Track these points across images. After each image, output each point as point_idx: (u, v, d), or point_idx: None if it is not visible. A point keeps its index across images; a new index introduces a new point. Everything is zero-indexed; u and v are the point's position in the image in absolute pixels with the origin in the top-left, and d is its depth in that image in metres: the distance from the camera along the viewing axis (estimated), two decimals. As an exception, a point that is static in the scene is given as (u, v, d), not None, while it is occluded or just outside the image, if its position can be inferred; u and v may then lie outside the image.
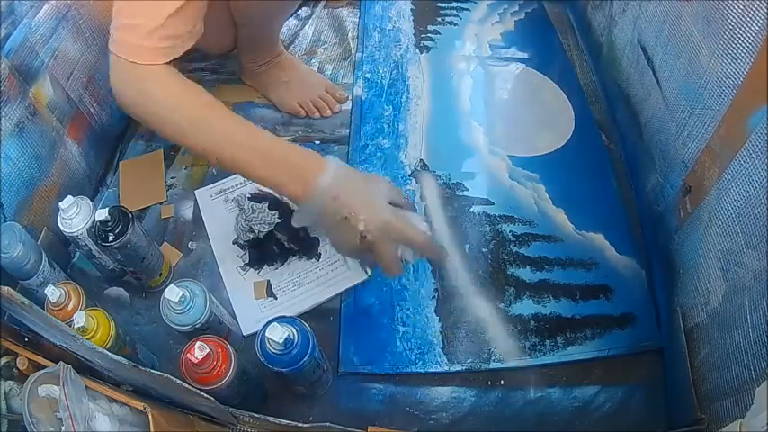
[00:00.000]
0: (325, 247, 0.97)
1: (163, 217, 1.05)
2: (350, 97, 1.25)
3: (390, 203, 0.77)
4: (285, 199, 0.94)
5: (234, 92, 1.24)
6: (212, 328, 0.79)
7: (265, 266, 0.97)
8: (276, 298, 0.94)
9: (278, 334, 0.69)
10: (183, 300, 0.75)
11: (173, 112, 0.76)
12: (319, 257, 0.97)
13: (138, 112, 0.78)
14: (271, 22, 1.12)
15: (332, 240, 0.81)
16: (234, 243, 0.98)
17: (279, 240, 0.96)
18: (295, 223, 0.78)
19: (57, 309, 0.76)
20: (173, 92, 0.76)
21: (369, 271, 0.95)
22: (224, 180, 1.07)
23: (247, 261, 0.97)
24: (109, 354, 0.62)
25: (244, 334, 0.90)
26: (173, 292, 0.74)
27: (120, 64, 0.75)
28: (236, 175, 1.04)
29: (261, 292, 0.94)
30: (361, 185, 0.76)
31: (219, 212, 1.03)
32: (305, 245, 0.96)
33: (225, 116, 0.77)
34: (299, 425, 0.70)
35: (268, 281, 0.95)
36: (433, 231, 1.01)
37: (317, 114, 1.21)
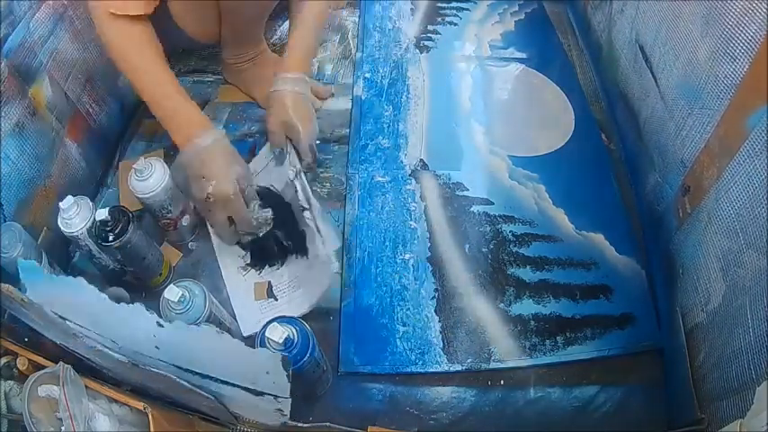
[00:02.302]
0: (312, 240, 0.93)
1: (163, 217, 1.05)
2: (350, 97, 1.25)
3: (239, 188, 0.91)
4: (275, 190, 1.01)
5: (235, 93, 1.24)
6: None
7: (266, 266, 0.97)
8: (276, 299, 0.94)
9: (278, 334, 0.69)
10: (182, 300, 0.75)
11: (122, 61, 0.93)
12: (308, 253, 0.94)
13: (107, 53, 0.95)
14: (255, 15, 1.11)
15: (189, 187, 0.93)
16: (237, 243, 0.99)
17: (278, 239, 0.96)
18: (173, 169, 0.93)
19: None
20: (125, 42, 0.92)
21: (335, 267, 0.90)
22: None
23: (249, 261, 0.98)
24: (109, 352, 0.62)
25: (244, 334, 0.90)
26: (172, 293, 0.74)
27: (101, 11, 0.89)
28: None
29: (261, 293, 0.94)
30: (224, 160, 0.91)
31: None
32: (296, 240, 0.96)
33: (152, 66, 0.92)
34: (299, 425, 0.70)
35: (269, 282, 0.95)
36: (432, 231, 1.03)
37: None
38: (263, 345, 0.71)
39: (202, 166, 0.90)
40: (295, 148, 0.99)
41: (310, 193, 0.93)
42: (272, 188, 1.00)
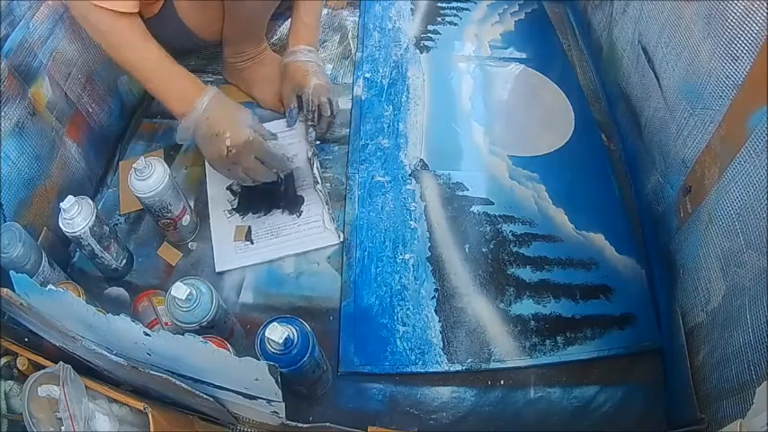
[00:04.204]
0: (309, 206, 1.05)
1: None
2: (350, 97, 1.25)
3: (253, 129, 0.95)
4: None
5: (235, 92, 1.24)
6: (218, 326, 0.79)
7: (250, 214, 1.04)
8: (252, 243, 1.01)
9: (278, 334, 0.69)
10: (189, 297, 0.75)
11: (116, 51, 0.94)
12: (300, 215, 1.04)
13: (95, 40, 0.96)
14: (259, 14, 1.11)
15: (205, 153, 0.98)
16: (228, 188, 1.06)
17: (268, 191, 1.03)
18: (177, 137, 0.96)
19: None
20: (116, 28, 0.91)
21: (341, 236, 1.01)
22: None
23: (235, 206, 1.05)
24: (108, 354, 0.62)
25: (217, 270, 0.98)
26: (180, 290, 0.74)
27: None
28: None
29: (240, 235, 1.01)
30: (229, 111, 0.95)
31: None
32: (290, 200, 1.04)
33: (141, 43, 0.93)
34: (299, 425, 0.70)
35: (249, 226, 1.02)
36: (432, 231, 1.03)
37: (301, 114, 1.20)
38: (262, 344, 0.71)
39: (210, 124, 0.92)
40: (313, 123, 1.10)
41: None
42: None
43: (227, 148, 0.92)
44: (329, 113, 1.12)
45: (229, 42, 1.16)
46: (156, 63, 0.94)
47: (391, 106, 1.23)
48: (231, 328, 0.85)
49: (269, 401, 0.66)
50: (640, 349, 0.90)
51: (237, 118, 0.95)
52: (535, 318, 0.93)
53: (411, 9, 1.46)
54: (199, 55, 1.31)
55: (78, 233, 0.85)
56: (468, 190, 1.08)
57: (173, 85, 0.95)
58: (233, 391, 0.66)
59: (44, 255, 0.87)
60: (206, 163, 1.10)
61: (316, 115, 1.11)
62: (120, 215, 1.07)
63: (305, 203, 1.05)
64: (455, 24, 1.42)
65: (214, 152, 0.95)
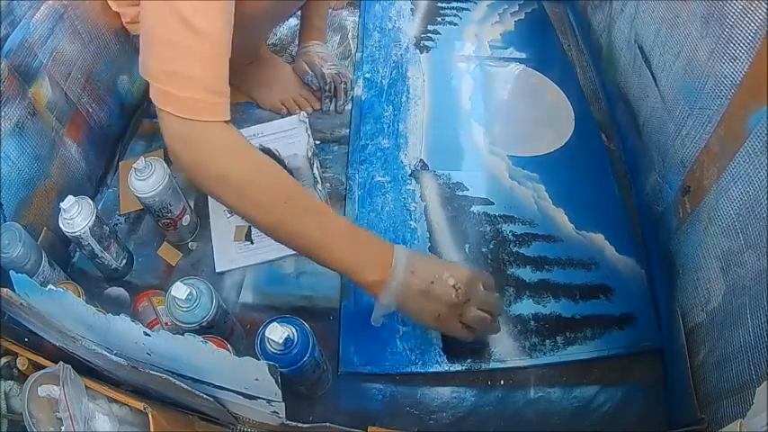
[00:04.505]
0: None
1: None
2: (350, 97, 1.25)
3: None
4: (278, 154, 1.07)
5: (234, 93, 1.23)
6: (218, 326, 0.79)
7: None
8: (252, 243, 1.01)
9: (278, 334, 0.69)
10: (189, 297, 0.75)
11: (245, 189, 0.73)
12: None
13: (196, 177, 0.75)
14: (269, 22, 1.12)
15: (420, 314, 0.80)
16: None
17: None
18: (381, 310, 0.78)
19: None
20: (243, 163, 0.74)
21: None
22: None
23: None
24: (108, 354, 0.62)
25: (217, 270, 0.98)
26: (180, 290, 0.74)
27: (173, 121, 0.71)
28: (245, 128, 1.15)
29: (240, 235, 1.01)
30: (430, 258, 0.87)
31: None
32: None
33: (298, 200, 0.76)
34: (299, 425, 0.70)
35: (249, 226, 1.01)
36: (432, 231, 1.03)
37: (298, 111, 1.21)
38: (262, 344, 0.71)
39: (421, 276, 0.76)
40: (329, 94, 1.18)
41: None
42: (275, 152, 1.08)
43: (455, 287, 0.77)
44: (343, 83, 1.20)
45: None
46: (338, 226, 0.78)
47: (391, 106, 1.23)
48: (231, 328, 0.85)
49: (269, 401, 0.66)
50: (640, 349, 0.90)
51: (443, 261, 0.88)
52: (535, 318, 0.93)
53: (411, 9, 1.46)
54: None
55: (78, 233, 0.85)
56: (468, 190, 1.08)
57: (366, 249, 0.77)
58: (233, 391, 0.66)
59: (44, 255, 0.87)
60: None
61: (332, 86, 1.19)
62: (120, 215, 1.07)
63: None
64: (455, 24, 1.42)
65: (440, 302, 0.78)
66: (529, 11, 1.45)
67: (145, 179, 0.89)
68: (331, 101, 1.21)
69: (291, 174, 1.04)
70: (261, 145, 1.09)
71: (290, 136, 1.13)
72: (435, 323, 0.81)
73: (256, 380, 0.61)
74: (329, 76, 1.18)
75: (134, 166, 0.89)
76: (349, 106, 1.23)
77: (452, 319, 0.80)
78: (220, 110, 0.73)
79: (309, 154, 1.10)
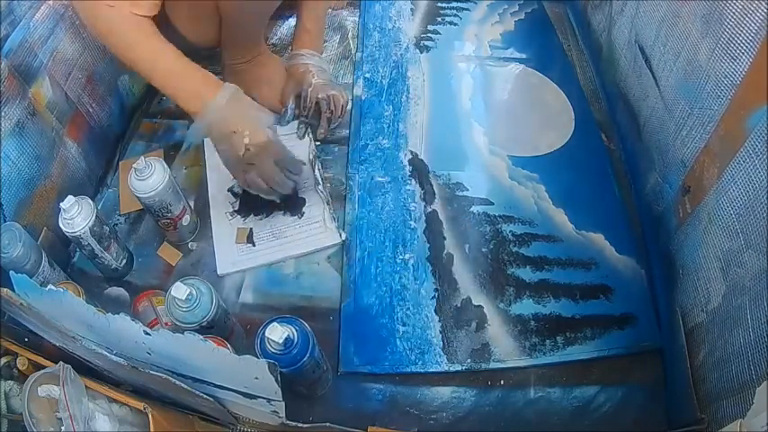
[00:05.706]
0: (310, 207, 1.05)
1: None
2: (350, 97, 1.25)
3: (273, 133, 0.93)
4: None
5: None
6: (218, 326, 0.79)
7: (251, 215, 1.04)
8: (254, 245, 1.01)
9: (278, 334, 0.69)
10: (189, 297, 0.75)
11: (126, 50, 0.90)
12: (301, 216, 1.04)
13: (102, 41, 0.93)
14: (255, 19, 1.11)
15: (220, 153, 0.94)
16: (229, 190, 1.06)
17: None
18: (190, 136, 0.95)
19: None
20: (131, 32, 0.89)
21: (343, 235, 1.01)
22: None
23: (236, 208, 1.05)
24: (108, 354, 0.62)
25: (219, 273, 0.97)
26: (180, 290, 0.74)
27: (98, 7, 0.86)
28: None
29: (242, 238, 1.01)
30: (249, 110, 0.92)
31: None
32: (291, 202, 1.04)
33: (153, 42, 0.89)
34: (299, 425, 0.70)
35: (251, 228, 1.02)
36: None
37: (298, 111, 1.20)
38: (262, 344, 0.71)
39: (228, 121, 0.89)
40: (307, 121, 1.13)
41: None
42: None
43: (246, 146, 0.89)
44: (327, 110, 1.13)
45: (228, 47, 1.16)
46: (169, 60, 0.90)
47: (391, 106, 1.23)
48: (231, 328, 0.85)
49: (269, 401, 0.66)
50: (640, 349, 0.90)
51: (258, 117, 0.93)
52: (535, 318, 0.93)
53: (411, 9, 1.46)
54: (198, 55, 1.30)
55: (78, 233, 0.85)
56: (468, 190, 1.08)
57: (188, 82, 0.90)
58: (233, 390, 0.66)
59: (44, 255, 0.87)
60: (206, 164, 1.10)
61: (311, 112, 1.13)
62: (120, 215, 1.07)
63: (306, 205, 1.05)
64: (455, 24, 1.42)
65: (229, 151, 0.91)
66: (529, 11, 1.45)
67: (145, 179, 0.89)
68: (306, 129, 1.14)
69: None
70: None
71: (292, 138, 1.13)
72: (225, 163, 0.95)
73: (256, 378, 0.61)
74: (310, 99, 1.12)
75: (134, 166, 0.89)
76: (349, 106, 1.23)
77: (237, 168, 0.94)
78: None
79: (311, 157, 1.10)
